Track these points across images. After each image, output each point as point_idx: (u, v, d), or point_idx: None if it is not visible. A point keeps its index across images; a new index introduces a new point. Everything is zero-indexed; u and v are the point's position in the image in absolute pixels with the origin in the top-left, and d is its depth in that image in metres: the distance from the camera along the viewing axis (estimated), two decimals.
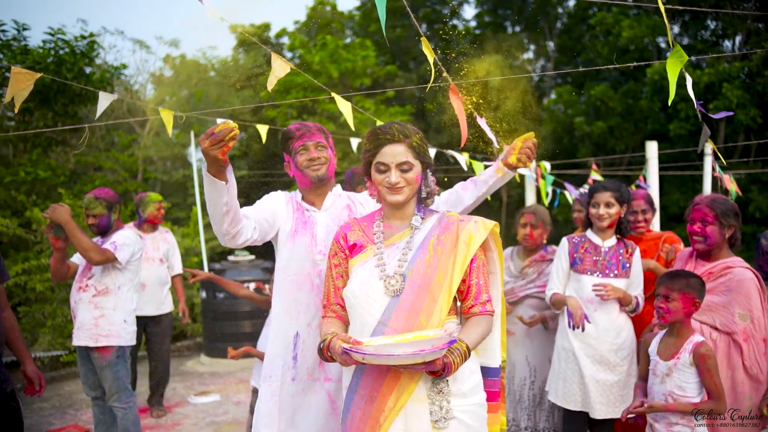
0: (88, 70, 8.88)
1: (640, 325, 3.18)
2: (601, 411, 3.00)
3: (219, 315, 6.50)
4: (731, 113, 3.17)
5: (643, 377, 2.65)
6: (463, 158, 4.10)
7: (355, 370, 1.82)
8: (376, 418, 1.73)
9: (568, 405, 3.10)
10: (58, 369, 6.31)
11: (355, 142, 4.67)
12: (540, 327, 3.48)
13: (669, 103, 2.17)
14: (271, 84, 2.49)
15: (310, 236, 2.26)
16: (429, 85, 2.60)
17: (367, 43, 13.66)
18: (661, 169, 10.24)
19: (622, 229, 3.17)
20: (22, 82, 2.45)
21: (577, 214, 4.23)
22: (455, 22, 17.83)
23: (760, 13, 11.14)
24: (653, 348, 2.57)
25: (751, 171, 10.82)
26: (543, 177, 5.26)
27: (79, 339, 3.46)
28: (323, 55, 13.12)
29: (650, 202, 3.56)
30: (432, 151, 4.33)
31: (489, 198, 2.64)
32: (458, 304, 1.92)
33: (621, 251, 3.13)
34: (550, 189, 5.38)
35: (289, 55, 16.05)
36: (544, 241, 3.65)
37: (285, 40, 15.87)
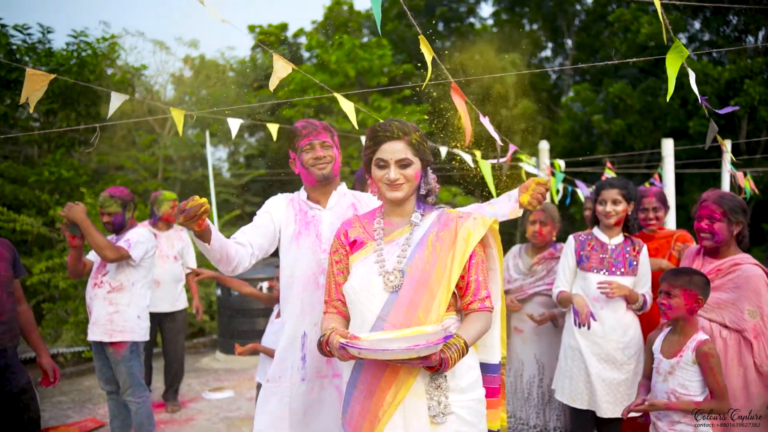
0: (109, 71, 9.06)
1: (649, 323, 3.16)
2: (607, 410, 2.99)
3: (234, 312, 6.60)
4: (737, 108, 3.12)
5: (648, 375, 2.65)
6: (469, 158, 4.11)
7: (354, 365, 1.84)
8: (375, 413, 1.76)
9: (574, 403, 3.10)
10: (79, 364, 6.46)
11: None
12: (549, 324, 3.47)
13: (668, 99, 2.18)
14: (273, 84, 2.51)
15: (314, 236, 2.29)
16: (425, 84, 2.62)
17: (384, 42, 13.70)
18: (680, 167, 10.14)
19: (629, 226, 3.16)
20: (36, 83, 2.50)
21: (588, 212, 4.22)
22: (472, 20, 17.80)
23: None
24: (657, 346, 2.57)
25: None
26: (553, 174, 5.25)
27: (94, 334, 3.54)
28: (340, 55, 13.20)
29: (663, 200, 3.53)
30: (443, 150, 4.36)
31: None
32: (458, 300, 1.93)
33: (628, 249, 3.12)
34: (560, 187, 5.37)
35: (306, 54, 16.17)
36: (554, 239, 3.65)
37: (303, 39, 15.98)
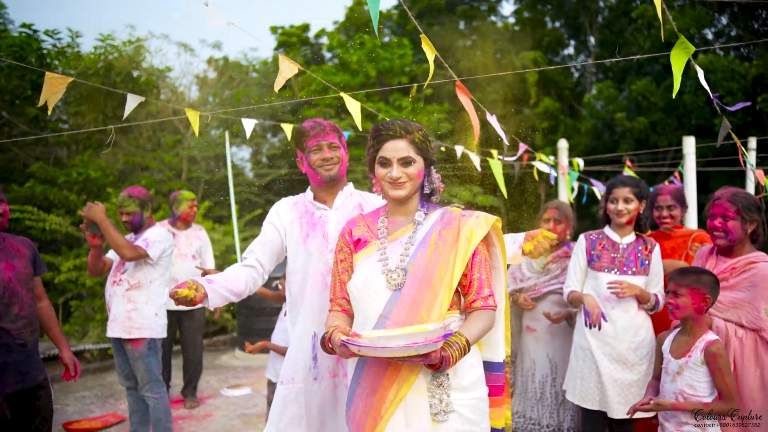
0: (135, 73, 9.26)
1: (663, 323, 3.12)
2: (619, 411, 2.96)
3: (253, 311, 6.70)
4: (748, 104, 3.02)
5: (657, 376, 2.62)
6: (476, 158, 4.12)
7: (357, 362, 1.87)
8: (377, 410, 1.77)
9: (585, 404, 3.07)
10: (104, 360, 6.63)
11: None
12: (563, 324, 3.46)
13: (674, 96, 2.17)
14: (278, 84, 2.53)
15: (321, 237, 2.31)
16: (426, 83, 2.64)
17: (405, 42, 13.73)
18: (704, 164, 9.97)
19: (640, 225, 3.12)
20: (55, 86, 2.56)
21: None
22: (493, 18, 17.70)
23: None
24: (666, 346, 2.56)
25: None
26: (567, 173, 5.23)
27: (113, 331, 3.63)
28: (361, 55, 13.27)
29: (679, 198, 3.46)
30: (458, 150, 4.38)
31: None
32: (462, 299, 1.94)
33: (640, 248, 3.08)
34: (576, 185, 5.35)
35: (328, 55, 16.27)
36: (568, 237, 3.63)
37: (324, 40, 16.09)
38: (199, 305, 4.95)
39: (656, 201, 3.46)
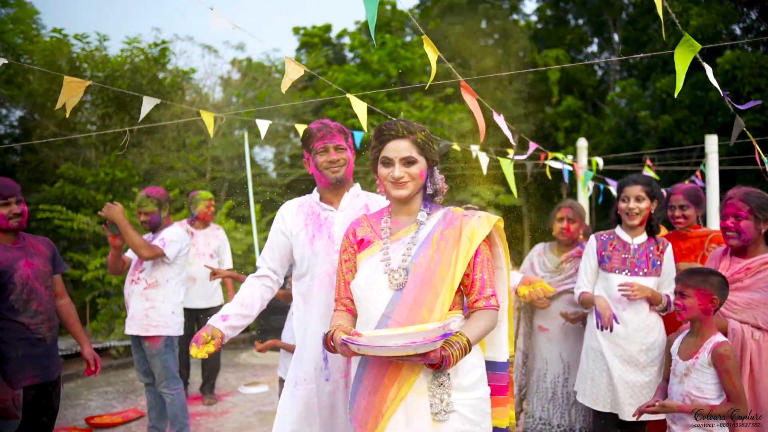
0: (160, 75, 9.46)
1: (676, 324, 3.01)
2: (630, 413, 2.90)
3: (270, 309, 6.77)
4: (759, 102, 2.95)
5: (667, 378, 2.59)
6: (485, 158, 4.13)
7: (360, 361, 1.87)
8: (379, 409, 1.78)
9: (596, 406, 3.03)
10: (128, 356, 6.76)
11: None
12: (576, 323, 3.42)
13: (676, 95, 2.14)
14: (284, 86, 2.54)
15: (327, 238, 2.33)
16: (429, 83, 2.65)
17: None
18: (730, 163, 9.79)
19: (652, 225, 3.06)
20: (72, 90, 2.63)
21: None
22: (516, 16, 17.60)
23: None
24: (674, 347, 2.53)
25: None
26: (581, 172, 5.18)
27: (131, 328, 3.71)
28: (382, 54, 13.32)
29: (692, 197, 3.37)
30: (474, 149, 4.39)
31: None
32: (465, 299, 1.95)
33: (651, 248, 3.03)
34: (590, 185, 5.31)
35: (350, 55, 16.36)
36: (581, 237, 3.62)
37: (346, 40, 16.18)
38: (216, 304, 5.07)
39: (669, 201, 3.40)
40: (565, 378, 3.48)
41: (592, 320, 3.07)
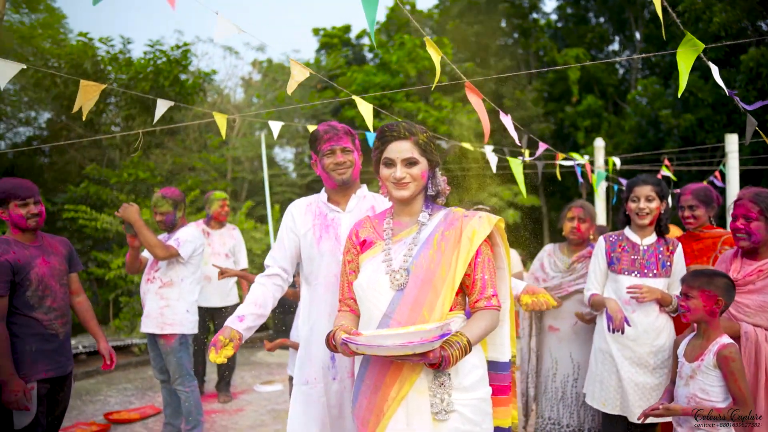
0: (182, 77, 9.61)
1: (686, 326, 2.97)
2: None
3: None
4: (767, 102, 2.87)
5: (674, 380, 2.56)
6: (494, 158, 4.12)
7: (362, 360, 1.89)
8: (380, 407, 1.79)
9: (605, 408, 3.01)
10: (148, 354, 6.91)
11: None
12: (587, 324, 3.42)
13: (679, 96, 2.12)
14: (291, 88, 2.57)
15: (333, 238, 2.36)
16: (434, 84, 2.67)
17: (445, 41, 13.73)
18: (757, 162, 9.60)
19: (661, 226, 3.02)
20: (89, 93, 2.70)
21: None
22: (536, 15, 17.48)
23: None
24: (681, 349, 2.51)
25: None
26: (593, 172, 5.14)
27: (147, 326, 3.79)
28: (401, 54, 13.36)
29: (701, 197, 3.32)
30: (488, 149, 4.39)
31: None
32: (466, 299, 1.97)
33: (661, 249, 2.99)
34: (603, 185, 5.27)
35: (369, 55, 16.43)
36: (591, 237, 3.61)
37: (365, 40, 16.25)
38: (232, 303, 5.14)
39: (679, 201, 3.36)
40: (574, 378, 3.46)
41: (601, 322, 3.05)
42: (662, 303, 2.93)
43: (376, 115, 12.98)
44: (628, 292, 2.88)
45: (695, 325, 2.49)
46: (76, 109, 2.70)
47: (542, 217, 15.43)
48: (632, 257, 3.02)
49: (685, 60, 2.09)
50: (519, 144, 3.12)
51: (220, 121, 3.15)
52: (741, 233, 2.68)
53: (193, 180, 9.54)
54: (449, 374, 1.80)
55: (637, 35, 16.62)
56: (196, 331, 3.88)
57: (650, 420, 2.79)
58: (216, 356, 2.08)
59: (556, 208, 15.13)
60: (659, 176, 5.79)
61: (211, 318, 5.16)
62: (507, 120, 3.05)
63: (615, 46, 17.61)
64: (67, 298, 3.00)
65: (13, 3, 10.56)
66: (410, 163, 1.92)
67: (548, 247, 3.72)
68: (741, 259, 2.76)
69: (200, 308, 4.33)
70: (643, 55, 2.93)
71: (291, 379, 3.41)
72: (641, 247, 3.02)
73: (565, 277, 3.51)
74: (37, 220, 2.88)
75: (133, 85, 8.98)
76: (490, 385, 1.94)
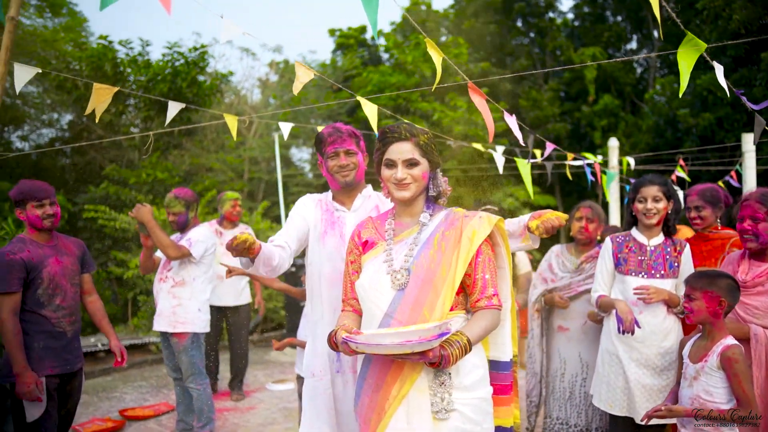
0: (200, 78, 9.75)
1: (694, 327, 2.91)
2: None
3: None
4: None
5: (680, 381, 2.55)
6: (501, 158, 4.12)
7: (364, 359, 1.91)
8: (381, 406, 1.81)
9: (611, 410, 3.00)
10: None
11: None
12: (596, 324, 3.42)
13: (680, 95, 2.11)
14: (296, 89, 2.61)
15: (338, 236, 2.41)
16: (434, 86, 2.69)
17: (460, 41, 13.72)
18: None
19: (668, 226, 3.01)
20: (102, 96, 2.75)
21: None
22: (552, 14, 17.38)
23: None
24: (686, 350, 2.51)
25: None
26: (604, 173, 5.11)
27: (159, 325, 3.85)
28: (416, 55, 13.37)
29: (708, 198, 3.28)
30: (499, 149, 4.39)
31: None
32: (467, 299, 1.98)
33: (668, 250, 2.97)
34: (612, 186, 5.23)
35: (385, 56, 16.47)
36: (599, 237, 3.60)
37: (381, 41, 16.29)
38: (244, 302, 5.20)
39: (686, 202, 3.33)
40: (583, 378, 3.47)
41: (608, 324, 3.05)
42: (670, 304, 2.92)
43: (390, 116, 13.03)
44: (635, 293, 2.87)
45: (701, 326, 2.48)
46: (89, 111, 2.77)
47: None
48: (639, 258, 3.00)
49: (686, 60, 2.08)
50: (523, 144, 3.12)
51: (231, 122, 3.22)
52: (748, 234, 2.66)
53: (210, 180, 9.67)
54: (449, 373, 1.81)
55: (655, 33, 16.43)
56: (208, 329, 3.94)
57: (658, 421, 2.76)
58: (236, 236, 1.96)
59: (572, 209, 15.00)
60: (674, 177, 5.72)
61: (224, 317, 5.23)
62: (511, 120, 3.05)
63: (633, 45, 17.42)
64: (77, 298, 3.09)
65: (37, 8, 10.80)
66: (411, 164, 1.95)
67: (556, 248, 3.72)
68: (749, 261, 2.75)
69: (212, 307, 4.38)
70: (654, 53, 2.92)
71: (298, 377, 3.46)
72: (648, 248, 3.00)
73: (574, 277, 3.52)
74: (53, 221, 2.98)
75: (152, 87, 9.12)
76: (491, 384, 1.96)
